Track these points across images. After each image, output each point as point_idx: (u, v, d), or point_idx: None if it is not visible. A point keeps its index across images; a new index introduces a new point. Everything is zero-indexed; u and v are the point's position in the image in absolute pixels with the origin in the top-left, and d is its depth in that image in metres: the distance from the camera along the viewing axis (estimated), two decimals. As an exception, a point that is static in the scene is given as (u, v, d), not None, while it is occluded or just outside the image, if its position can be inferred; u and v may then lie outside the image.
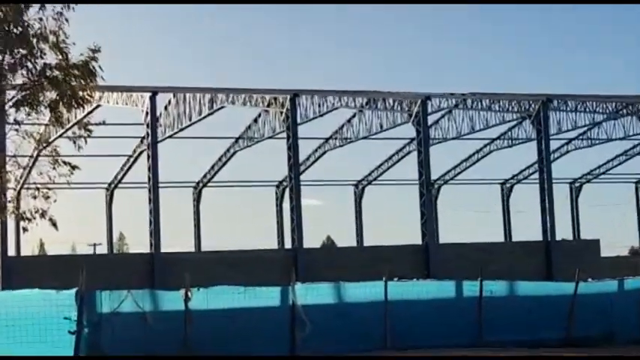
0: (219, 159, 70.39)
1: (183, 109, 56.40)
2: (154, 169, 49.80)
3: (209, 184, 73.95)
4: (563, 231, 75.27)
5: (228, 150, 68.75)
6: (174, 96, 56.66)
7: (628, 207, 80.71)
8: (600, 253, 55.47)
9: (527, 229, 69.55)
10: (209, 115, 55.58)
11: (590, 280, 32.65)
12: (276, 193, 75.57)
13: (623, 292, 32.21)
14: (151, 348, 26.49)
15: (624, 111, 60.02)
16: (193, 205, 74.34)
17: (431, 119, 57.89)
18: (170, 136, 58.58)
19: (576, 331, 30.30)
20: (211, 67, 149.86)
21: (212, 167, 71.98)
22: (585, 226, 79.91)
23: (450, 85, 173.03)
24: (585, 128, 66.78)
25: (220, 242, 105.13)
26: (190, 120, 56.15)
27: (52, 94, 27.32)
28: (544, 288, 32.34)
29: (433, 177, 61.26)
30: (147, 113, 50.89)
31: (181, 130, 57.54)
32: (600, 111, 60.14)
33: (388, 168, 74.26)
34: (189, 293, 27.23)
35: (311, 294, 28.65)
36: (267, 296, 28.48)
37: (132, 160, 66.93)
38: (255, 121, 62.43)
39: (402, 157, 71.48)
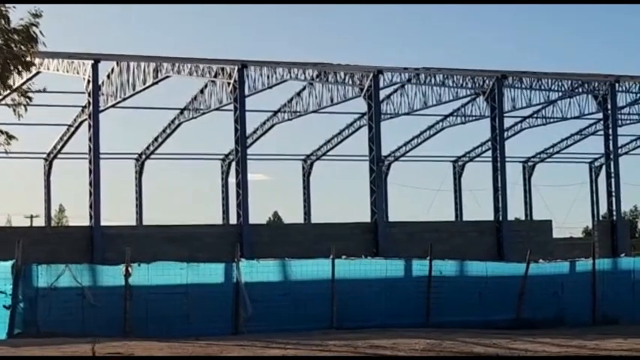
0: (164, 130, 69.24)
1: (126, 77, 55.39)
2: (95, 139, 48.54)
3: (152, 156, 72.73)
4: (516, 211, 75.31)
5: (172, 121, 67.61)
6: (117, 64, 55.50)
7: (582, 187, 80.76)
8: (552, 234, 55.21)
9: (479, 208, 69.30)
10: (153, 84, 54.62)
11: (541, 261, 32.37)
12: (222, 167, 74.59)
13: (575, 273, 32.05)
14: (89, 324, 25.85)
15: (580, 89, 59.73)
16: (135, 177, 73.15)
17: (383, 94, 57.24)
18: (112, 106, 57.51)
19: (526, 312, 30.17)
20: (157, 35, 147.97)
21: (155, 139, 70.79)
22: (538, 206, 79.88)
23: (403, 59, 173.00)
24: (540, 106, 66.55)
25: (163, 216, 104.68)
26: (134, 89, 55.14)
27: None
28: (494, 268, 31.87)
29: (384, 153, 60.61)
30: (89, 81, 49.61)
31: (124, 99, 56.52)
32: (555, 89, 59.84)
33: (338, 143, 73.56)
34: (129, 269, 26.71)
35: (256, 271, 28.23)
36: (211, 273, 28.06)
37: (72, 129, 65.67)
38: (202, 91, 61.37)
39: (353, 132, 70.83)
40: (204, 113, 62.49)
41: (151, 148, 71.88)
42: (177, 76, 54.65)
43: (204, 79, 57.45)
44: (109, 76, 56.19)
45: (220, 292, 27.73)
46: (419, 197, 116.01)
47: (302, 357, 19.03)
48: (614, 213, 56.65)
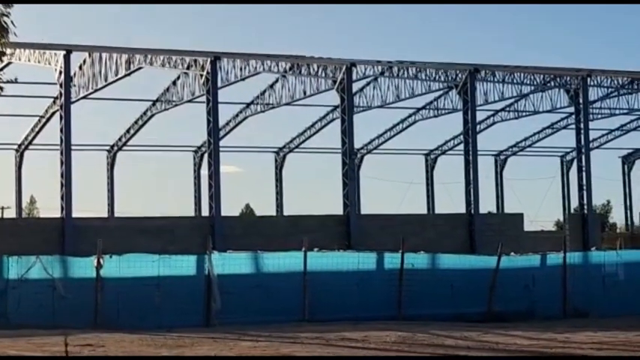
0: (136, 122, 68.96)
1: (98, 69, 55.01)
2: (66, 130, 48.25)
3: (124, 148, 72.41)
4: (487, 204, 75.50)
5: (145, 113, 67.35)
6: (89, 55, 55.09)
7: (553, 181, 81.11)
8: (524, 227, 55.39)
9: (451, 201, 69.43)
10: (126, 76, 54.28)
11: (512, 254, 32.48)
12: (194, 159, 74.36)
13: (546, 267, 32.23)
14: (60, 316, 25.79)
15: (552, 83, 59.89)
16: (107, 169, 72.82)
17: (356, 86, 57.13)
18: (84, 97, 57.06)
19: (498, 305, 30.24)
20: (129, 26, 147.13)
21: (128, 130, 70.51)
22: (509, 199, 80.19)
23: (377, 52, 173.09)
24: (512, 100, 66.73)
25: (135, 208, 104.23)
26: (106, 80, 54.79)
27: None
28: (466, 261, 32.02)
29: (356, 146, 60.57)
30: (60, 72, 49.31)
31: (96, 90, 56.15)
32: (528, 83, 59.97)
33: (310, 136, 73.51)
34: (100, 260, 26.58)
35: (228, 263, 28.25)
36: (183, 265, 28.09)
37: (44, 120, 65.28)
38: (174, 83, 61.11)
39: (325, 125, 70.77)
40: (176, 105, 62.26)
41: (123, 140, 71.58)
42: (149, 68, 54.36)
43: (176, 71, 57.20)
44: (80, 67, 55.76)
45: (192, 284, 27.75)
46: (391, 190, 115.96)
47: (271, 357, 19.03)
48: (585, 207, 56.91)
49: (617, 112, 69.42)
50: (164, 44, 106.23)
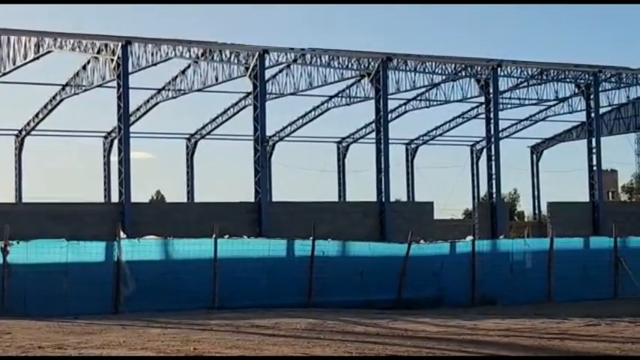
0: (45, 106, 67.99)
1: (6, 52, 54.30)
2: (-27, 114, 47.44)
3: (32, 133, 71.33)
4: (398, 192, 76.00)
5: (54, 97, 66.44)
6: (-3, 38, 54.24)
7: (463, 170, 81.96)
8: (434, 215, 55.87)
9: (362, 189, 69.78)
10: (35, 59, 53.58)
11: (422, 242, 32.68)
12: (104, 145, 73.54)
13: (455, 254, 32.45)
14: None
15: (463, 73, 60.50)
16: (15, 154, 71.66)
17: (268, 73, 57.01)
18: (-8, 81, 56.18)
19: (407, 292, 30.42)
20: (39, 10, 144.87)
21: (36, 115, 69.47)
22: (420, 187, 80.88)
23: (289, 39, 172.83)
24: (424, 89, 67.31)
25: (43, 194, 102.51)
26: (14, 64, 54.07)
27: None
28: (377, 249, 32.15)
29: (268, 133, 60.59)
30: (-34, 55, 48.50)
31: (4, 74, 55.40)
32: (439, 72, 60.51)
33: (222, 122, 73.23)
34: (7, 246, 26.07)
35: (138, 250, 28.00)
36: (92, 251, 27.77)
37: (-50, 104, 64.02)
38: (84, 68, 60.40)
39: (237, 112, 70.59)
40: (86, 90, 61.51)
41: (32, 124, 70.50)
42: (59, 52, 53.65)
43: (87, 55, 56.51)
44: (-12, 50, 54.93)
45: (101, 271, 27.44)
46: (303, 178, 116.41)
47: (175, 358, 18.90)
48: (494, 195, 57.63)
49: (527, 102, 70.51)
50: (74, 28, 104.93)
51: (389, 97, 56.15)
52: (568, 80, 63.77)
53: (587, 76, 61.91)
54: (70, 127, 73.74)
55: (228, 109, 71.27)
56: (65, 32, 53.38)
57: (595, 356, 16.61)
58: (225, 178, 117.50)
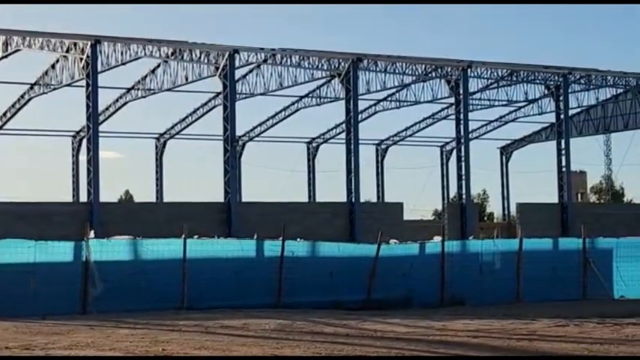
0: (13, 105, 67.54)
1: (-27, 50, 53.81)
2: (-61, 113, 47.09)
3: (0, 132, 70.76)
4: (368, 193, 76.07)
5: (22, 96, 66.01)
6: (-36, 36, 53.86)
7: (433, 170, 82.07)
8: (403, 216, 55.92)
9: (332, 189, 69.83)
10: (3, 58, 53.37)
11: (392, 242, 32.68)
12: (73, 144, 73.10)
13: (424, 255, 32.41)
14: None
15: (433, 74, 60.62)
16: (-18, 153, 71.30)
17: (238, 73, 56.94)
18: (-42, 79, 55.78)
19: (377, 293, 30.37)
20: (7, 8, 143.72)
21: (4, 114, 68.98)
22: (390, 188, 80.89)
23: (260, 39, 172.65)
24: (394, 90, 67.38)
25: (11, 193, 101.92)
26: (-19, 63, 53.62)
27: None
28: (346, 250, 32.11)
29: (238, 133, 60.48)
30: None
31: (-29, 73, 54.91)
32: (410, 73, 60.58)
33: (192, 122, 73.04)
34: (-26, 246, 25.86)
35: (106, 250, 27.86)
36: (60, 251, 27.62)
37: None
38: (53, 67, 59.97)
39: (207, 112, 70.38)
40: (55, 89, 61.13)
41: (0, 124, 69.99)
42: (27, 50, 53.33)
43: (55, 54, 56.16)
44: (-46, 49, 54.54)
45: (69, 271, 27.27)
46: (273, 178, 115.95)
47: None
48: (464, 196, 57.78)
49: (497, 103, 70.71)
50: (43, 26, 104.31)
51: (359, 97, 56.21)
52: (538, 81, 64.05)
53: (556, 77, 62.21)
54: (38, 127, 73.43)
55: (198, 108, 71.07)
56: (34, 31, 53.08)
57: (563, 356, 16.65)
58: (195, 178, 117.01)
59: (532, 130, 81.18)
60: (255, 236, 30.53)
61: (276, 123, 74.91)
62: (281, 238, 29.57)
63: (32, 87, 64.18)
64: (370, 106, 72.11)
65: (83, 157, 54.94)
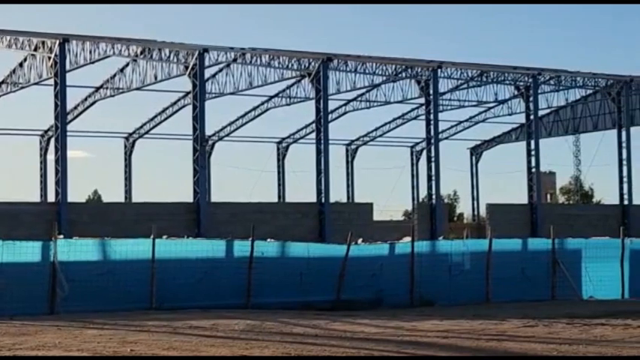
0: (-19, 104, 67.07)
1: (-61, 49, 53.37)
2: None
3: (-33, 131, 70.35)
4: (338, 193, 76.06)
5: (-11, 95, 65.49)
6: None
7: (403, 171, 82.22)
8: (373, 216, 55.96)
9: (302, 189, 69.78)
10: (-30, 56, 52.83)
11: (361, 243, 32.63)
12: (41, 143, 72.68)
13: (394, 255, 32.35)
14: None
15: (403, 74, 60.74)
16: (-52, 152, 70.75)
17: (208, 72, 56.85)
18: None
19: (346, 293, 30.31)
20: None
21: (-28, 113, 68.61)
22: (360, 188, 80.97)
23: (229, 38, 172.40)
24: (364, 90, 67.46)
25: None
26: (-52, 61, 53.20)
27: None
28: (316, 250, 32.01)
29: (208, 133, 60.28)
30: None
31: (-63, 72, 54.45)
32: (380, 73, 60.66)
33: (161, 121, 72.83)
34: (-61, 246, 25.60)
35: (74, 250, 27.68)
36: (27, 251, 27.39)
37: None
38: (21, 65, 59.61)
39: (177, 111, 70.18)
40: (23, 87, 60.76)
41: (-33, 123, 69.55)
42: (-6, 48, 52.97)
43: (23, 52, 55.80)
44: None
45: (36, 272, 27.03)
46: (242, 178, 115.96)
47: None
48: (434, 196, 57.89)
49: (467, 103, 70.98)
50: (10, 24, 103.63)
51: (329, 97, 56.27)
52: (507, 82, 64.32)
53: (526, 78, 62.49)
54: (5, 125, 72.90)
55: (167, 108, 70.86)
56: (1, 29, 52.66)
57: (532, 357, 16.67)
58: (164, 177, 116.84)
59: (502, 131, 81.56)
60: (230, 237, 30.45)
61: (246, 123, 74.82)
62: (251, 239, 29.46)
63: (0, 85, 63.74)
64: (340, 106, 72.17)
65: (51, 157, 54.69)
